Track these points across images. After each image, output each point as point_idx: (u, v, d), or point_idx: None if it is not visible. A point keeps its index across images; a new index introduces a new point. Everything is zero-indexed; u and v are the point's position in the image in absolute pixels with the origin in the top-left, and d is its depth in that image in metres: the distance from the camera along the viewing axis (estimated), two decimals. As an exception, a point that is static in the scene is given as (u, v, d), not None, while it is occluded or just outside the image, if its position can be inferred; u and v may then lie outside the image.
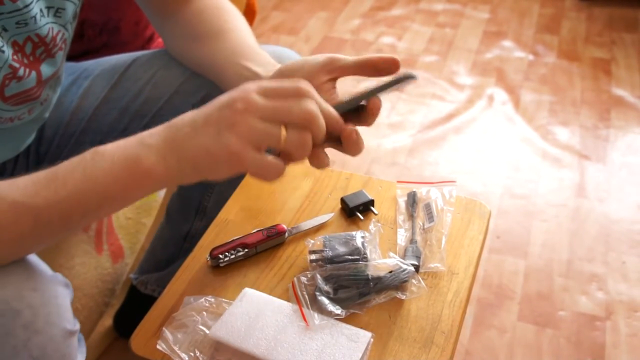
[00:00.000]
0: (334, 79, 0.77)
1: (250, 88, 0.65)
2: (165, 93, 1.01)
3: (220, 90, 0.96)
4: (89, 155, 0.64)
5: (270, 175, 0.66)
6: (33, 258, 0.68)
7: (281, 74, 0.80)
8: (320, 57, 0.77)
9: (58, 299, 0.65)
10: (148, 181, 0.65)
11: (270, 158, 0.64)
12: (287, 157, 0.66)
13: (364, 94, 0.73)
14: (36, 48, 0.83)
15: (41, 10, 0.81)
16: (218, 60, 0.91)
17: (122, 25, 1.30)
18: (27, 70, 0.83)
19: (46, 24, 0.82)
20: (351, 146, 0.71)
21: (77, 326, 0.66)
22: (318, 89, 0.77)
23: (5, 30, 0.78)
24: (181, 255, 1.22)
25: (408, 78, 0.72)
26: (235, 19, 0.96)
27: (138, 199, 0.67)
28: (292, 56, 1.02)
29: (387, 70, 0.74)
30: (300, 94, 0.65)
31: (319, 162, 0.70)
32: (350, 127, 0.70)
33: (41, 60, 0.85)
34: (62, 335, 0.63)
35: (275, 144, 0.64)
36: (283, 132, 0.64)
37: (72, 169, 0.63)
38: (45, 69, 0.87)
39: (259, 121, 0.63)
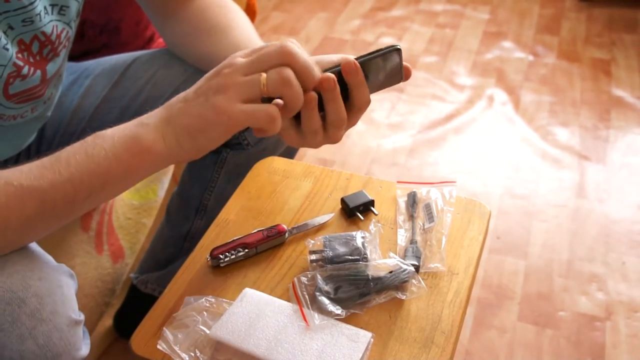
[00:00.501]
0: None
1: (235, 54, 0.68)
2: (166, 92, 1.01)
3: None
4: (90, 138, 0.66)
5: (263, 120, 0.65)
6: (38, 249, 0.68)
7: None
8: (335, 57, 0.77)
9: (63, 288, 0.65)
10: (148, 158, 0.66)
11: (258, 104, 0.66)
12: (283, 109, 0.67)
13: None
14: (43, 47, 0.83)
15: (45, 8, 0.81)
16: (221, 54, 0.91)
17: (123, 25, 1.30)
18: (32, 69, 0.83)
19: (50, 22, 0.82)
20: (329, 99, 0.70)
21: (82, 317, 0.67)
22: None
23: (11, 28, 0.78)
24: (181, 254, 1.22)
25: (392, 49, 0.73)
26: (239, 16, 0.96)
27: (140, 179, 0.68)
28: None
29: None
30: (281, 45, 0.67)
31: (310, 121, 0.70)
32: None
33: (48, 59, 0.86)
34: (68, 324, 0.64)
35: (258, 90, 0.65)
36: (264, 76, 0.65)
37: (74, 152, 0.64)
38: (50, 68, 0.87)
39: (242, 77, 0.65)
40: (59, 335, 0.62)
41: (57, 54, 0.87)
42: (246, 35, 0.92)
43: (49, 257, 0.68)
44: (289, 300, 0.80)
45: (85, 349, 0.67)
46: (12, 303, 0.61)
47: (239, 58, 0.67)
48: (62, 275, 0.67)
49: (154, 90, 1.02)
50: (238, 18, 0.96)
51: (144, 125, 0.67)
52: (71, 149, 0.65)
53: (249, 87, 0.65)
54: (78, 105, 1.03)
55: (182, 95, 0.69)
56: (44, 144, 1.04)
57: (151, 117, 0.68)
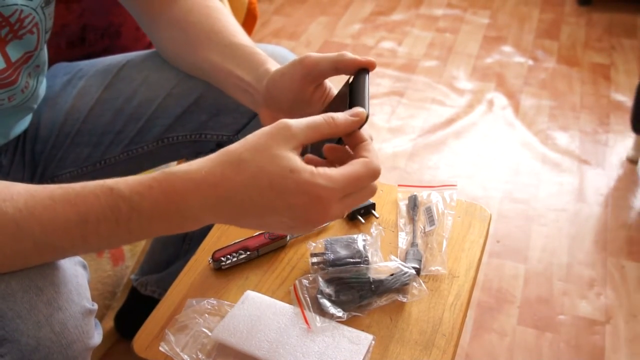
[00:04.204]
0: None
1: (330, 201, 0.62)
2: (159, 96, 1.01)
3: (213, 92, 0.97)
4: (124, 209, 0.60)
5: None
6: None
7: (269, 94, 0.81)
8: (297, 71, 0.77)
9: (78, 278, 0.66)
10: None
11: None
12: None
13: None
14: (0, 28, 0.82)
15: None
16: (212, 67, 0.91)
17: (123, 29, 1.30)
18: None
19: (13, 5, 0.81)
20: None
21: (95, 306, 0.67)
22: (310, 99, 0.78)
23: None
24: (180, 256, 1.23)
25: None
26: (225, 16, 0.95)
27: None
28: (286, 56, 1.02)
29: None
30: (372, 193, 0.66)
31: None
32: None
33: (7, 41, 0.84)
34: (82, 313, 0.64)
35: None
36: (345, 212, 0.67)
37: (104, 219, 0.60)
38: (12, 51, 0.86)
39: (330, 219, 0.65)
40: (74, 323, 0.63)
41: (19, 37, 0.85)
42: (232, 39, 0.90)
43: None
44: (290, 303, 0.81)
45: (97, 338, 0.67)
46: (29, 291, 0.62)
47: (333, 205, 0.62)
48: (76, 265, 0.68)
49: (147, 93, 1.02)
50: (224, 19, 0.94)
51: (194, 221, 0.63)
52: (99, 210, 0.60)
53: (334, 219, 0.66)
54: (72, 106, 1.03)
55: (249, 207, 0.62)
56: (38, 144, 1.04)
57: (202, 212, 0.62)
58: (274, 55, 0.88)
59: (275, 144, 0.61)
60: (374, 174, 0.64)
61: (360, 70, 0.73)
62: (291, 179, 0.60)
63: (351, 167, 0.63)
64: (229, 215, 0.63)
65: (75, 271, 0.67)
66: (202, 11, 0.95)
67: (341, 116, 0.65)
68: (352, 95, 0.71)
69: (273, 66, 0.83)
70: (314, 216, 0.62)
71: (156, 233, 0.65)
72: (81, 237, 0.61)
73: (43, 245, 0.61)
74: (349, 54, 0.74)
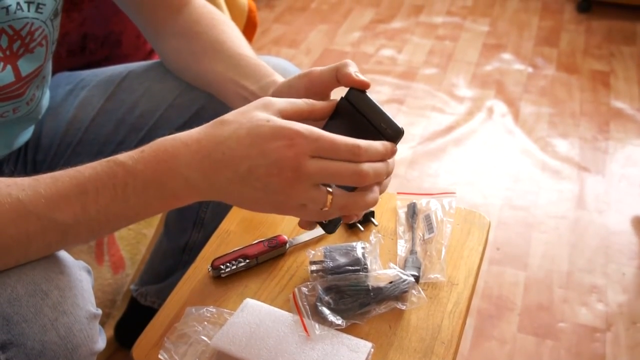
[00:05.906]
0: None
1: (303, 149, 0.63)
2: (161, 107, 1.02)
3: (214, 103, 0.97)
4: (120, 173, 0.63)
5: (315, 220, 0.71)
6: None
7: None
8: (302, 83, 0.77)
9: (83, 282, 0.67)
10: (180, 206, 0.68)
11: (315, 210, 0.67)
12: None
13: None
14: (12, 42, 0.82)
15: (18, 4, 0.80)
16: (216, 77, 0.91)
17: (124, 38, 1.31)
18: (2, 63, 0.83)
19: (24, 18, 0.82)
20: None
21: (100, 311, 0.68)
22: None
23: None
24: (180, 267, 1.23)
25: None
26: (230, 28, 0.96)
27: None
28: (288, 68, 1.02)
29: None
30: (354, 157, 0.66)
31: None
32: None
33: (19, 55, 0.84)
34: (87, 317, 0.65)
35: (320, 206, 0.66)
36: (330, 198, 0.66)
37: (102, 186, 0.63)
38: (24, 65, 0.86)
39: (307, 188, 0.64)
40: (79, 328, 0.63)
41: (30, 51, 0.86)
42: (237, 50, 0.91)
43: (66, 253, 0.69)
44: (289, 311, 0.81)
45: (102, 343, 0.68)
46: (35, 295, 0.62)
47: (307, 160, 0.63)
48: (81, 270, 0.68)
49: (148, 104, 1.02)
50: (229, 30, 0.95)
51: (183, 179, 0.65)
52: (97, 179, 0.63)
53: (312, 203, 0.66)
54: (74, 116, 1.04)
55: (227, 154, 0.64)
56: (40, 153, 1.05)
57: (191, 169, 0.65)
58: (275, 67, 0.88)
59: (254, 108, 0.66)
60: (353, 148, 0.65)
61: (354, 89, 0.74)
62: (267, 125, 0.64)
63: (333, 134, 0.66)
64: (210, 171, 0.65)
65: (80, 276, 0.67)
66: (208, 22, 0.95)
67: (321, 103, 0.72)
68: (368, 114, 0.74)
69: (280, 79, 0.84)
70: (287, 167, 0.63)
71: (152, 205, 0.66)
72: (82, 209, 0.62)
73: (46, 222, 0.62)
74: (347, 68, 0.75)
